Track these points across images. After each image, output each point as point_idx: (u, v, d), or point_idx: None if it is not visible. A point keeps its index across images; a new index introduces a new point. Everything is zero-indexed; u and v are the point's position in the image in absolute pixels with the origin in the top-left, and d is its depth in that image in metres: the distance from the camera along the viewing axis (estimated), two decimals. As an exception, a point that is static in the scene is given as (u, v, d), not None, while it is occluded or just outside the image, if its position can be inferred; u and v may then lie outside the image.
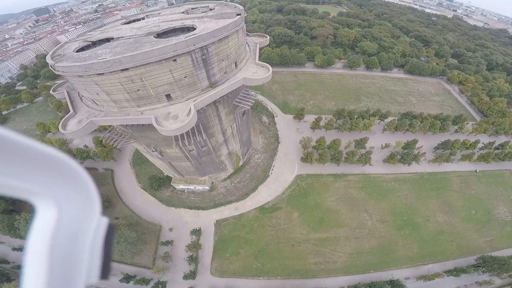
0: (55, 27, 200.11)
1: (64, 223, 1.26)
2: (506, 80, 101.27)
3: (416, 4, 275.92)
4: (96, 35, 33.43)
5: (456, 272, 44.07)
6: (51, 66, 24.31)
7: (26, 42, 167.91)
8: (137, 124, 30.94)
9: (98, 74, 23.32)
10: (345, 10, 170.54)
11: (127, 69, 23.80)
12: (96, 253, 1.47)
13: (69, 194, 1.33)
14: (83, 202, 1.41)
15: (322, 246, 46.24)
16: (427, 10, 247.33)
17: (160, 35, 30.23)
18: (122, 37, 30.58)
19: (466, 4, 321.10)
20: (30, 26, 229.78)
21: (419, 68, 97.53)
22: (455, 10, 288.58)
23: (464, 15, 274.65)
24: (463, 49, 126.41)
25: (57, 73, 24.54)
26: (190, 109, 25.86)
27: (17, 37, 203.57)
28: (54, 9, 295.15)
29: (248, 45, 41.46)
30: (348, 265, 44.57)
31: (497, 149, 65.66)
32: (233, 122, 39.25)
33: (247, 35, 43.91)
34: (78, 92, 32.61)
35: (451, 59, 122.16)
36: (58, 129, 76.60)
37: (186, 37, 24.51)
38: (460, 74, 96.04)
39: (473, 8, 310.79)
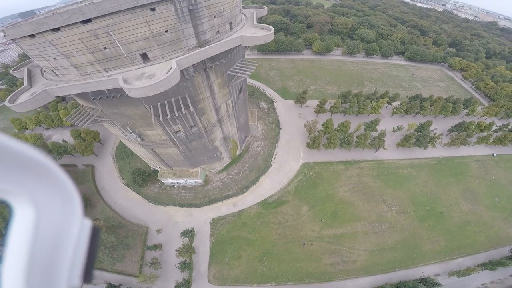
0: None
1: (43, 224, 1.21)
2: (506, 67, 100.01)
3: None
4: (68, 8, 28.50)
5: (491, 265, 39.54)
6: (3, 34, 20.06)
7: (8, 42, 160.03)
8: (106, 96, 24.77)
9: (52, 30, 18.34)
10: (337, 3, 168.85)
11: (90, 20, 18.41)
12: (79, 257, 1.40)
13: (47, 194, 1.25)
14: (62, 203, 1.34)
15: (338, 244, 40.29)
16: (418, 4, 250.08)
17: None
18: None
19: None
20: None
21: (420, 54, 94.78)
22: (444, 5, 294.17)
23: (453, 9, 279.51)
24: (460, 38, 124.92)
25: (6, 38, 19.78)
26: (171, 67, 19.77)
27: (0, 39, 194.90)
28: (40, 11, 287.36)
29: (245, 15, 36.18)
30: (370, 264, 38.65)
31: (512, 131, 61.78)
32: (229, 97, 33.08)
33: (242, 7, 38.85)
34: (41, 69, 26.68)
35: (449, 48, 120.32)
36: (35, 125, 68.08)
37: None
38: (462, 61, 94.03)
39: (461, 3, 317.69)
